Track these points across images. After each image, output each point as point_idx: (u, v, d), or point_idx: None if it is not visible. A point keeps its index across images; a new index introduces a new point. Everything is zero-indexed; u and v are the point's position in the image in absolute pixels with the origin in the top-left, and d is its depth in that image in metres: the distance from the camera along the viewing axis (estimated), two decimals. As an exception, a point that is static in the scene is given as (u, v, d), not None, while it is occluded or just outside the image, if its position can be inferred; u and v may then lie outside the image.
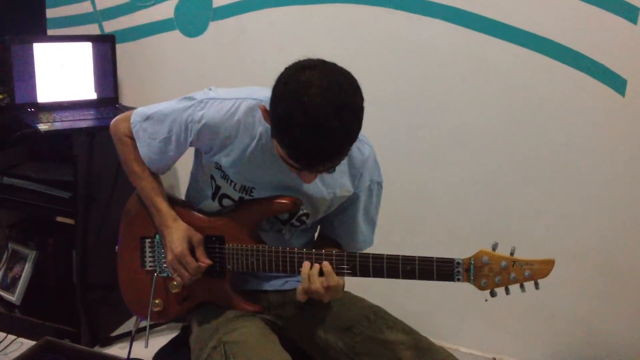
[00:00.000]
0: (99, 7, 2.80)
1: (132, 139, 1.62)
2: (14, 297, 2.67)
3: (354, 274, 1.45)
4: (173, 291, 1.62)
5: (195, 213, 1.63)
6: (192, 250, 1.56)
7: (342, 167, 1.54)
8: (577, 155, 2.23)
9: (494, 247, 1.36)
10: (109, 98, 2.71)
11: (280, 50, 2.52)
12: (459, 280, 1.38)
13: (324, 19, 2.43)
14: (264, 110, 1.36)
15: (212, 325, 1.55)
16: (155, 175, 1.64)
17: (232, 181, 1.55)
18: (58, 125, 2.35)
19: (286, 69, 1.31)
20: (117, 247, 1.74)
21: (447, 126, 2.37)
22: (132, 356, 1.94)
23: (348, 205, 1.61)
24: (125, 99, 2.82)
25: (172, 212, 1.60)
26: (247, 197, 1.56)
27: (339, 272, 1.46)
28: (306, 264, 1.46)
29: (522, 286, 1.35)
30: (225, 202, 1.59)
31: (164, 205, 1.60)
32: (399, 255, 1.41)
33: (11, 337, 2.53)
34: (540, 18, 2.17)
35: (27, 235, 2.79)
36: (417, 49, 2.34)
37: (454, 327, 2.55)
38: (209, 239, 1.58)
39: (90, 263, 2.51)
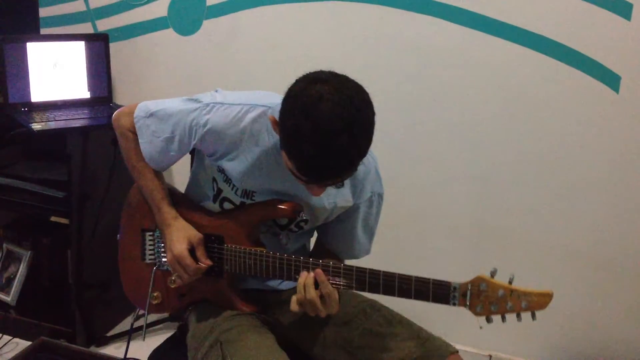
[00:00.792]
0: (92, 5, 2.79)
1: (135, 133, 1.60)
2: (8, 298, 2.67)
3: (349, 287, 1.43)
4: (172, 286, 1.62)
5: (196, 211, 1.62)
6: (192, 250, 1.56)
7: None
8: (572, 151, 2.24)
9: (493, 274, 1.34)
10: (102, 97, 2.70)
11: (274, 48, 2.52)
12: (454, 304, 1.37)
13: (318, 16, 2.43)
14: (273, 121, 1.34)
15: (209, 324, 1.55)
16: (156, 172, 1.63)
17: (234, 186, 1.54)
18: (52, 125, 2.34)
19: (297, 81, 1.29)
20: (118, 236, 1.74)
21: (442, 123, 2.37)
22: (128, 355, 1.94)
23: (348, 216, 1.60)
24: (118, 98, 2.82)
25: (172, 210, 1.59)
26: (249, 201, 1.55)
27: (334, 284, 1.44)
28: (303, 274, 1.43)
29: (518, 315, 1.33)
30: (227, 205, 1.58)
31: (164, 204, 1.60)
32: (395, 273, 1.39)
33: (6, 337, 2.53)
34: (534, 15, 2.17)
35: (21, 236, 2.78)
36: (411, 47, 2.34)
37: (449, 324, 2.54)
38: (208, 237, 1.58)
39: (85, 263, 2.50)
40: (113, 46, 2.73)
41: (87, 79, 2.66)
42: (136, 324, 1.93)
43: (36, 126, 2.28)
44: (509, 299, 1.32)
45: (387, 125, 2.42)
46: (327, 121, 1.21)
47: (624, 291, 2.28)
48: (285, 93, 1.29)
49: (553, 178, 2.28)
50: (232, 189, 1.54)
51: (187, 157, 1.69)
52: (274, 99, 1.33)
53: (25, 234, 2.77)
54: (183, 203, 1.64)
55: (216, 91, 1.55)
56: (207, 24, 2.62)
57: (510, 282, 1.33)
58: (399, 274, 1.38)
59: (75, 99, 2.64)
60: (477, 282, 1.34)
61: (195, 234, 1.56)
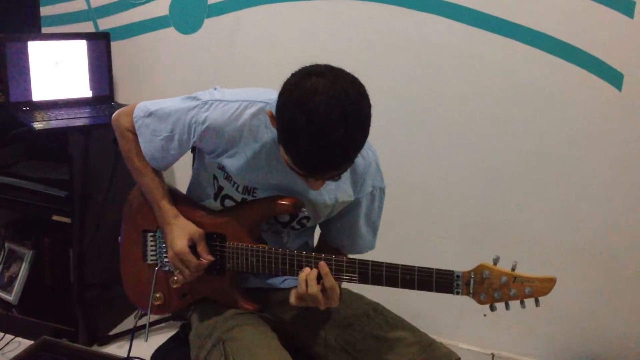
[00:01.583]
0: (94, 4, 2.79)
1: (134, 133, 1.61)
2: (11, 297, 2.67)
3: (352, 281, 1.44)
4: (173, 286, 1.62)
5: (197, 210, 1.62)
6: (194, 247, 1.56)
7: (345, 173, 1.53)
8: (574, 149, 2.23)
9: (495, 262, 1.34)
10: (104, 96, 2.70)
11: (275, 46, 2.51)
12: (458, 293, 1.36)
13: (319, 15, 2.42)
14: (271, 116, 1.34)
15: (212, 323, 1.54)
16: (156, 171, 1.63)
17: (235, 183, 1.54)
18: (53, 124, 2.34)
19: (292, 74, 1.29)
20: (119, 239, 1.74)
21: (444, 121, 2.37)
22: (131, 354, 1.94)
23: (349, 211, 1.59)
24: (120, 97, 2.81)
25: (173, 208, 1.59)
26: (250, 198, 1.55)
27: (338, 278, 1.44)
28: (306, 269, 1.43)
29: (522, 302, 1.33)
30: (228, 202, 1.58)
31: (165, 202, 1.60)
32: (398, 265, 1.39)
33: (9, 336, 2.53)
34: (537, 13, 2.16)
35: (23, 235, 2.78)
36: (413, 45, 2.33)
37: (452, 323, 2.55)
38: (210, 236, 1.58)
39: (87, 262, 2.50)
40: (114, 45, 2.72)
41: (89, 78, 2.66)
42: (139, 323, 1.92)
43: (38, 125, 2.28)
44: (512, 285, 1.33)
45: (390, 123, 2.41)
46: (323, 114, 1.21)
47: (627, 290, 2.28)
48: (281, 87, 1.29)
49: (556, 176, 2.28)
50: (233, 185, 1.54)
51: (189, 157, 1.69)
52: (272, 95, 1.33)
53: (27, 233, 2.77)
54: (184, 203, 1.63)
55: (215, 89, 1.55)
56: (208, 22, 2.62)
57: (513, 270, 1.33)
58: (401, 265, 1.39)
59: (77, 98, 2.64)
60: (480, 269, 1.35)
61: (196, 230, 1.56)
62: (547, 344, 2.42)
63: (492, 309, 1.35)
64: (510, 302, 1.34)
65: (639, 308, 2.28)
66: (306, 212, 1.56)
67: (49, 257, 2.74)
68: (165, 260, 1.64)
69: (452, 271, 1.36)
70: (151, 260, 1.67)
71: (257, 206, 1.54)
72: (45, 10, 2.87)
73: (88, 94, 2.67)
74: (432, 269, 1.37)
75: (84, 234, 2.47)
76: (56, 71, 2.57)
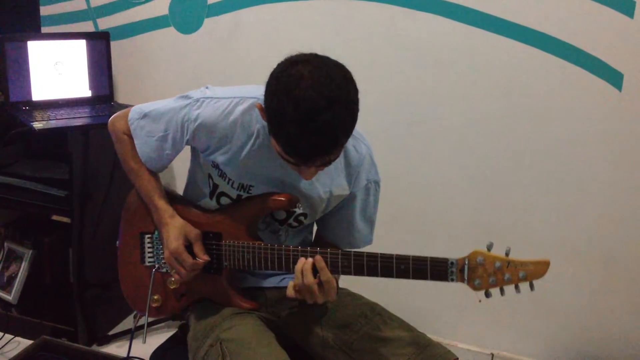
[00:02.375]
0: (93, 4, 2.79)
1: (130, 136, 1.62)
2: (10, 297, 2.67)
3: (348, 273, 1.44)
4: (171, 287, 1.62)
5: (193, 209, 1.63)
6: (190, 247, 1.56)
7: (339, 166, 1.54)
8: (574, 150, 2.23)
9: (489, 247, 1.35)
10: (103, 95, 2.70)
11: (275, 46, 2.51)
12: (452, 280, 1.37)
13: (319, 14, 2.42)
14: (260, 108, 1.35)
15: (209, 322, 1.55)
16: (152, 173, 1.64)
17: (230, 179, 1.54)
18: (53, 124, 2.34)
19: (278, 64, 1.31)
20: (117, 242, 1.74)
21: (444, 122, 2.37)
22: (130, 354, 1.94)
23: (345, 205, 1.60)
24: (120, 97, 2.81)
25: (169, 208, 1.60)
26: (245, 194, 1.56)
27: (333, 270, 1.44)
28: (301, 260, 1.44)
29: (516, 287, 1.33)
30: (224, 200, 1.59)
31: (161, 203, 1.60)
32: (393, 255, 1.40)
33: (8, 336, 2.53)
34: (537, 13, 2.16)
35: (23, 234, 2.78)
36: (414, 45, 2.33)
37: (452, 323, 2.55)
38: (206, 235, 1.58)
39: (87, 261, 2.51)
40: (114, 44, 2.72)
41: (88, 78, 2.66)
42: (138, 324, 1.93)
43: (37, 125, 2.28)
44: (506, 270, 1.33)
45: (391, 123, 2.42)
46: (309, 99, 1.22)
47: (627, 289, 2.28)
48: (268, 77, 1.30)
49: (555, 176, 2.27)
50: (228, 182, 1.55)
51: (187, 159, 1.69)
52: (263, 90, 1.33)
53: (27, 233, 2.77)
54: (180, 203, 1.64)
55: (206, 87, 1.57)
56: (208, 22, 2.62)
57: (507, 255, 1.33)
58: (396, 255, 1.39)
59: (77, 98, 2.63)
60: (474, 256, 1.35)
61: (192, 230, 1.57)
62: (546, 344, 2.42)
63: (487, 295, 1.35)
64: (505, 288, 1.34)
65: (638, 308, 2.28)
66: (302, 208, 1.57)
67: (49, 257, 2.74)
68: (163, 262, 1.64)
69: (447, 259, 1.37)
70: (149, 262, 1.68)
71: (253, 203, 1.55)
72: (44, 10, 2.87)
73: (88, 93, 2.67)
74: (427, 257, 1.38)
75: (84, 233, 2.47)
76: (56, 71, 2.57)
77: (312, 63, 1.27)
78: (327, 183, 1.54)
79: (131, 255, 1.70)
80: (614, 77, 2.12)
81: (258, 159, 1.50)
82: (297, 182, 1.52)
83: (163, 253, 1.61)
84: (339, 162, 1.53)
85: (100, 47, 2.67)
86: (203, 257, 1.56)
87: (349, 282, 1.63)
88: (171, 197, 1.65)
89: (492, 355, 2.50)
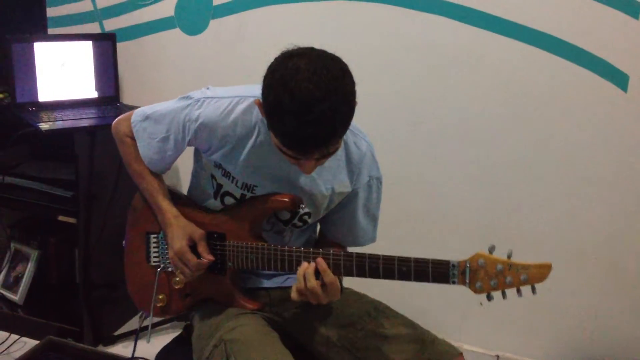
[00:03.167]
0: (100, 5, 2.80)
1: (133, 138, 1.63)
2: (16, 297, 2.68)
3: (350, 274, 1.44)
4: (175, 287, 1.63)
5: (197, 210, 1.63)
6: (194, 247, 1.56)
7: (340, 162, 1.54)
8: (579, 151, 2.23)
9: (491, 250, 1.34)
10: (109, 97, 2.71)
11: (281, 47, 2.50)
12: (454, 282, 1.37)
13: (324, 16, 2.43)
14: (259, 104, 1.36)
15: (213, 323, 1.55)
16: (156, 174, 1.65)
17: (234, 178, 1.55)
18: (59, 125, 2.35)
19: (275, 58, 1.32)
20: (123, 242, 1.75)
21: (448, 122, 2.37)
22: (135, 355, 1.95)
23: (347, 202, 1.61)
24: (126, 98, 2.82)
25: (173, 209, 1.61)
26: (249, 194, 1.56)
27: (335, 272, 1.45)
28: (303, 265, 1.44)
29: (518, 290, 1.33)
30: (228, 200, 1.60)
31: (165, 203, 1.61)
32: (394, 257, 1.40)
33: (14, 336, 2.53)
34: (541, 14, 2.16)
35: (29, 235, 2.79)
36: (418, 45, 2.34)
37: (456, 324, 2.54)
38: (211, 235, 1.59)
39: (93, 262, 2.51)
40: (120, 46, 2.73)
41: (95, 79, 2.67)
42: (143, 324, 1.93)
43: (44, 126, 2.29)
44: (508, 272, 1.33)
45: (395, 123, 2.42)
46: (305, 91, 1.22)
47: (632, 291, 2.27)
48: (265, 71, 1.31)
49: (560, 177, 2.27)
50: (232, 181, 1.56)
51: (191, 159, 1.69)
52: None
53: (33, 234, 2.78)
54: (185, 204, 1.65)
55: (207, 88, 1.58)
56: (213, 23, 2.63)
57: (508, 257, 1.33)
58: (398, 257, 1.39)
59: (83, 99, 2.64)
60: (476, 258, 1.35)
61: (196, 230, 1.57)
62: (551, 345, 2.42)
63: (489, 298, 1.35)
64: (507, 291, 1.34)
65: (644, 310, 2.28)
66: (305, 208, 1.57)
67: (55, 257, 2.75)
68: (168, 262, 1.65)
69: (448, 261, 1.37)
70: (154, 262, 1.69)
71: (256, 204, 1.55)
72: (51, 12, 2.88)
73: (94, 94, 2.68)
74: (428, 259, 1.38)
75: (90, 234, 2.48)
76: (62, 72, 2.58)
77: (308, 56, 1.28)
78: (329, 180, 1.54)
79: (137, 255, 1.71)
80: (619, 79, 2.12)
81: (260, 156, 1.51)
82: (299, 179, 1.52)
83: (168, 253, 1.62)
84: (341, 158, 1.53)
85: (106, 48, 2.68)
86: (207, 257, 1.56)
87: (353, 282, 1.63)
88: (175, 197, 1.66)
89: (498, 356, 2.49)
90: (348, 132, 1.48)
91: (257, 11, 2.54)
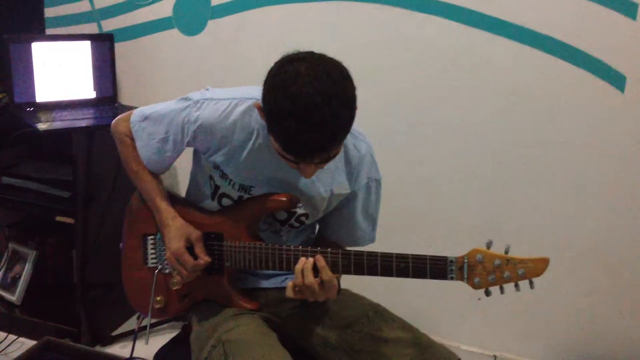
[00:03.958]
0: (98, 6, 2.80)
1: (132, 138, 1.63)
2: (14, 297, 2.67)
3: (348, 272, 1.45)
4: (173, 288, 1.63)
5: (195, 211, 1.63)
6: (191, 248, 1.56)
7: (339, 164, 1.54)
8: (576, 151, 2.23)
9: (488, 246, 1.35)
10: (107, 97, 2.71)
11: (279, 48, 2.49)
12: (452, 278, 1.37)
13: (323, 16, 2.43)
14: (259, 108, 1.36)
15: (212, 323, 1.55)
16: (154, 175, 1.65)
17: (231, 180, 1.55)
18: (57, 125, 2.35)
19: (275, 63, 1.32)
20: (120, 244, 1.75)
21: (446, 123, 2.37)
22: (133, 355, 1.94)
23: (346, 204, 1.61)
24: (124, 98, 2.82)
25: (171, 210, 1.61)
26: (246, 195, 1.56)
27: (333, 270, 1.45)
28: (301, 260, 1.45)
29: (516, 285, 1.34)
30: (225, 201, 1.60)
31: (163, 204, 1.61)
32: (392, 253, 1.40)
33: (12, 337, 2.53)
34: (539, 15, 2.16)
35: (27, 235, 2.78)
36: (416, 46, 2.34)
37: (454, 324, 2.55)
38: (208, 236, 1.59)
39: (91, 262, 2.51)
40: (118, 46, 2.73)
41: (93, 79, 2.67)
42: (142, 325, 1.93)
43: (42, 126, 2.29)
44: (506, 268, 1.33)
45: (392, 125, 2.42)
46: (306, 95, 1.22)
47: (630, 292, 2.27)
48: (265, 75, 1.31)
49: (558, 178, 2.28)
50: (229, 183, 1.56)
51: (189, 160, 1.69)
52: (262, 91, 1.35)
53: (31, 234, 2.78)
54: (182, 205, 1.65)
55: (207, 89, 1.58)
56: (211, 24, 2.63)
57: (506, 253, 1.33)
58: (396, 254, 1.40)
59: (81, 99, 2.64)
60: (474, 254, 1.36)
61: (193, 231, 1.57)
62: (548, 346, 2.42)
63: (487, 293, 1.36)
64: (505, 286, 1.34)
65: (640, 310, 2.28)
66: (303, 209, 1.57)
67: (53, 258, 2.75)
68: (166, 263, 1.65)
69: (446, 257, 1.37)
70: (152, 263, 1.68)
71: (253, 204, 1.56)
72: (49, 12, 2.88)
73: (92, 95, 2.68)
74: (426, 255, 1.38)
75: (87, 234, 2.48)
76: (60, 72, 2.58)
77: (309, 60, 1.28)
78: (327, 182, 1.54)
79: (134, 256, 1.70)
80: (617, 79, 2.12)
81: (258, 159, 1.51)
82: (297, 182, 1.52)
83: (165, 254, 1.62)
84: (340, 160, 1.53)
85: (104, 48, 2.68)
86: (204, 258, 1.56)
87: (352, 283, 1.63)
88: (173, 198, 1.66)
89: (495, 357, 2.50)
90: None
91: (255, 12, 2.54)
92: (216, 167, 1.56)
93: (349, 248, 1.63)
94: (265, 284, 1.69)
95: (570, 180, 2.26)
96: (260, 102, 1.35)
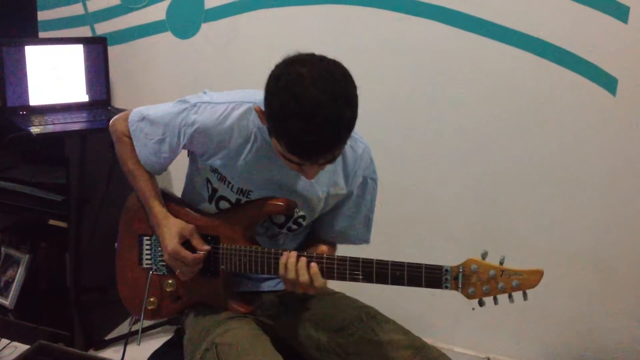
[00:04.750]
0: (91, 9, 2.80)
1: (130, 138, 1.63)
2: (7, 301, 2.67)
3: (343, 279, 1.45)
4: (167, 290, 1.63)
5: (192, 212, 1.63)
6: (187, 244, 1.57)
7: (337, 166, 1.55)
8: (569, 154, 2.24)
9: (484, 256, 1.36)
10: (101, 100, 2.71)
11: (273, 51, 2.47)
12: (447, 287, 1.38)
13: (317, 20, 2.43)
14: (259, 111, 1.36)
15: (205, 326, 1.55)
16: (150, 175, 1.65)
17: (229, 183, 1.55)
18: (50, 128, 2.34)
19: (276, 65, 1.32)
20: (116, 244, 1.75)
21: (441, 127, 2.37)
22: (126, 359, 1.94)
23: (342, 203, 1.62)
24: (117, 101, 2.82)
25: (164, 210, 1.61)
26: (244, 198, 1.56)
27: (328, 276, 1.45)
28: (284, 255, 1.47)
29: (510, 296, 1.34)
30: (223, 204, 1.60)
31: (156, 204, 1.61)
32: (388, 261, 1.40)
33: (5, 341, 2.53)
34: (531, 18, 2.17)
35: (19, 239, 2.78)
36: (410, 50, 2.34)
37: (448, 327, 2.55)
38: (204, 238, 1.59)
39: (84, 266, 2.50)
40: (111, 49, 2.73)
41: (86, 83, 2.66)
42: (134, 328, 1.93)
43: (35, 129, 2.29)
44: (500, 278, 1.34)
45: (387, 128, 2.42)
46: (311, 96, 1.23)
47: (623, 295, 2.28)
48: (267, 79, 1.31)
49: (551, 181, 2.28)
50: (228, 186, 1.56)
51: (184, 162, 1.69)
52: (260, 95, 1.35)
53: (24, 238, 2.77)
54: (178, 206, 1.65)
55: (204, 92, 1.58)
56: (205, 27, 2.63)
57: (501, 263, 1.34)
58: (392, 261, 1.40)
59: (74, 103, 2.64)
60: (469, 264, 1.36)
61: (185, 227, 1.57)
62: (542, 348, 2.43)
63: (481, 303, 1.36)
64: (499, 297, 1.35)
65: (633, 312, 2.28)
66: (300, 212, 1.57)
67: (46, 262, 2.74)
68: (161, 264, 1.65)
69: (441, 266, 1.38)
70: (146, 264, 1.68)
71: (251, 207, 1.56)
72: (42, 15, 2.87)
73: (85, 98, 2.67)
74: (422, 264, 1.38)
75: (81, 238, 2.47)
76: (53, 75, 2.58)
77: (311, 62, 1.29)
78: (324, 182, 1.55)
79: (129, 257, 1.70)
80: (609, 82, 2.13)
81: (256, 162, 1.51)
82: (296, 184, 1.53)
83: (161, 255, 1.62)
84: (338, 163, 1.54)
85: (97, 52, 2.68)
86: (203, 248, 1.56)
87: (345, 286, 1.63)
88: (170, 199, 1.66)
89: (488, 358, 2.50)
90: None
91: (249, 15, 2.54)
92: (214, 170, 1.56)
93: (341, 245, 1.64)
94: (260, 287, 1.69)
95: (563, 183, 2.27)
96: (259, 105, 1.35)
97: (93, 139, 2.39)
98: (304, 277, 1.44)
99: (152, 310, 1.67)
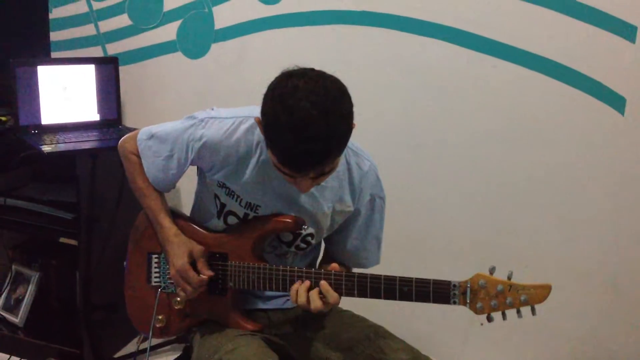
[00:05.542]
0: (102, 29, 2.83)
1: (138, 156, 1.65)
2: (17, 319, 2.67)
3: (351, 294, 1.45)
4: (176, 307, 1.63)
5: (200, 230, 1.64)
6: (194, 263, 1.57)
7: (343, 183, 1.55)
8: (578, 173, 2.24)
9: (491, 271, 1.36)
10: (112, 119, 2.73)
11: (281, 71, 2.53)
12: (455, 303, 1.38)
13: (324, 40, 2.45)
14: (258, 122, 1.38)
15: (213, 344, 1.55)
16: (159, 193, 1.66)
17: (238, 197, 1.56)
18: (61, 147, 2.36)
19: (275, 77, 1.35)
20: (125, 263, 1.76)
21: (446, 144, 2.38)
22: (135, 377, 1.95)
23: (350, 222, 1.62)
24: (128, 121, 2.84)
25: (174, 227, 1.62)
26: (252, 213, 1.57)
27: (337, 292, 1.46)
28: (294, 286, 1.48)
29: (518, 311, 1.34)
30: (231, 219, 1.60)
31: (166, 221, 1.62)
32: (396, 277, 1.41)
33: (15, 358, 2.53)
34: (538, 37, 2.18)
35: (30, 257, 2.79)
36: (417, 69, 2.36)
37: (456, 347, 2.53)
38: (212, 255, 1.60)
39: (94, 284, 2.51)
40: (123, 69, 2.76)
41: (97, 102, 2.68)
42: (142, 346, 1.93)
43: (46, 148, 2.30)
44: (508, 293, 1.34)
45: (395, 146, 2.43)
46: (303, 109, 1.24)
47: (632, 314, 2.26)
48: (266, 89, 1.33)
49: (559, 200, 2.28)
50: (236, 200, 1.57)
51: (193, 180, 1.71)
52: None
53: (34, 256, 2.78)
54: (187, 224, 1.66)
55: (212, 109, 1.61)
56: (215, 47, 2.65)
57: (509, 279, 1.34)
58: (399, 277, 1.40)
59: (85, 122, 2.66)
60: (477, 279, 1.37)
61: (195, 247, 1.59)
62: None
63: (489, 319, 1.36)
64: (507, 312, 1.34)
65: (642, 331, 2.27)
66: (308, 229, 1.58)
67: (56, 280, 2.75)
68: (169, 282, 1.65)
69: (449, 281, 1.38)
70: (155, 282, 1.69)
71: (259, 224, 1.57)
72: (54, 36, 2.91)
73: (96, 117, 2.69)
74: (430, 279, 1.39)
75: (91, 256, 2.48)
76: (65, 95, 2.60)
77: (308, 75, 1.30)
78: (330, 198, 1.56)
79: (138, 275, 1.71)
80: (617, 102, 2.13)
81: (263, 174, 1.52)
82: (301, 197, 1.54)
83: (169, 273, 1.63)
84: (344, 178, 1.55)
85: (108, 71, 2.70)
86: (206, 273, 1.57)
87: (353, 304, 1.63)
88: (178, 217, 1.67)
89: (498, 379, 2.48)
90: (350, 152, 1.50)
91: (258, 35, 2.56)
92: (221, 185, 1.57)
93: (354, 270, 1.64)
94: (267, 305, 1.69)
95: (572, 201, 2.26)
96: (260, 117, 1.37)
97: (103, 158, 2.41)
98: (315, 303, 1.44)
99: (160, 328, 1.67)
